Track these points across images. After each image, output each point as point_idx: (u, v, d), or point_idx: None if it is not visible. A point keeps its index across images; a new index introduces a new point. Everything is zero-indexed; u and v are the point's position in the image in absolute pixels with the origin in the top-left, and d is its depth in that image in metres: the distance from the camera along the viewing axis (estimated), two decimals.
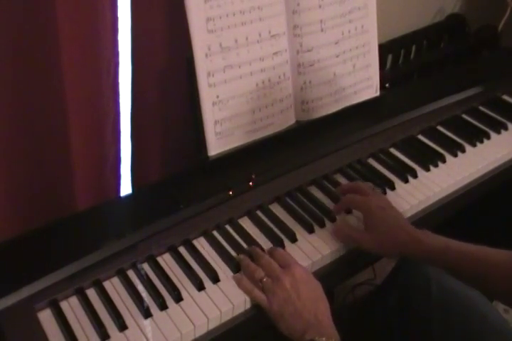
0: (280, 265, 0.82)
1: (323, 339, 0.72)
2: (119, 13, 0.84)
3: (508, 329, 0.83)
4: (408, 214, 0.97)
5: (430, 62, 1.38)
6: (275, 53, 0.96)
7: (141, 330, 0.75)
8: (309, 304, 0.77)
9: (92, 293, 0.80)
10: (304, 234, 0.91)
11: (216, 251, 0.87)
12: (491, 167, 1.11)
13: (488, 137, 1.17)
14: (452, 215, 1.07)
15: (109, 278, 0.82)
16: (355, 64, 1.06)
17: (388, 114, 1.10)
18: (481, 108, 1.26)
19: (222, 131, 0.93)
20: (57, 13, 0.75)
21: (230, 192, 0.91)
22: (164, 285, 0.81)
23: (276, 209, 0.95)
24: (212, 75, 0.89)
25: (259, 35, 0.93)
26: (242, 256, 0.84)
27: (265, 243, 0.89)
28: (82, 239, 0.83)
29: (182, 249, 0.87)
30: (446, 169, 1.07)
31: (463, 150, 1.12)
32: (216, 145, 0.94)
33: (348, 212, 0.95)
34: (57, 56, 0.79)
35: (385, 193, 0.99)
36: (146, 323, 0.76)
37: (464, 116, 1.23)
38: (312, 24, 0.98)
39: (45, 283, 0.75)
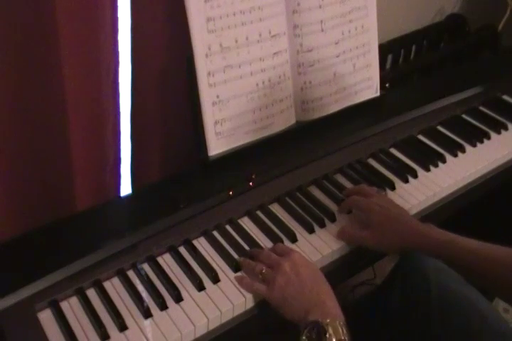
0: (278, 255, 0.83)
1: (327, 320, 0.71)
2: (119, 13, 0.84)
3: (508, 329, 0.83)
4: None
5: (430, 62, 1.38)
6: (275, 53, 0.96)
7: (141, 330, 0.75)
8: (310, 284, 0.77)
9: (92, 293, 0.80)
10: (304, 234, 0.91)
11: (216, 251, 0.87)
12: (491, 167, 1.11)
13: (488, 137, 1.17)
14: (452, 215, 1.07)
15: (109, 278, 0.82)
16: (356, 64, 1.06)
17: (388, 114, 1.10)
18: (481, 108, 1.26)
19: (223, 131, 0.93)
20: (57, 13, 0.75)
21: (230, 192, 0.91)
22: (164, 285, 0.81)
23: (276, 209, 0.95)
24: (213, 75, 0.89)
25: (260, 35, 0.93)
26: (242, 259, 0.85)
27: (265, 243, 0.89)
28: (82, 239, 0.83)
29: (182, 249, 0.87)
30: (446, 169, 1.07)
31: (463, 150, 1.12)
32: (216, 145, 0.94)
33: (349, 212, 0.95)
34: (57, 56, 0.79)
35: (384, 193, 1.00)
36: (146, 323, 0.76)
37: (464, 116, 1.23)
38: (312, 24, 0.98)
39: (45, 283, 0.75)
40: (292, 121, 1.03)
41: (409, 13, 1.41)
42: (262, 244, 0.88)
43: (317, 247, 0.89)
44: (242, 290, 0.81)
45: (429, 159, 1.08)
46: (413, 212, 0.99)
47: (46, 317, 0.76)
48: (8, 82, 0.78)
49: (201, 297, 0.80)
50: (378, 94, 1.12)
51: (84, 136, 0.88)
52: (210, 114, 0.91)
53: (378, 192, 0.97)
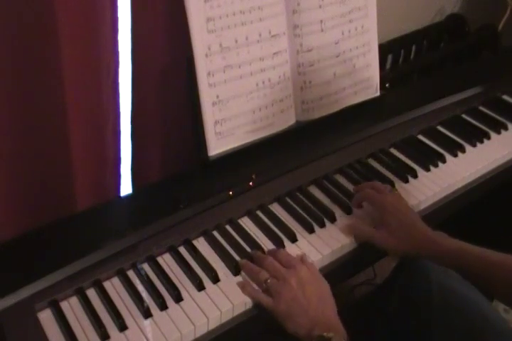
0: (283, 266, 0.82)
1: (331, 334, 0.72)
2: (119, 13, 0.84)
3: (508, 329, 0.83)
4: None
5: (430, 62, 1.38)
6: (275, 53, 0.96)
7: (141, 330, 0.75)
8: (316, 302, 0.77)
9: (92, 293, 0.80)
10: (304, 234, 0.91)
11: (216, 251, 0.87)
12: (491, 167, 1.11)
13: (488, 137, 1.17)
14: (452, 215, 1.07)
15: (109, 278, 0.82)
16: (355, 64, 1.06)
17: (388, 114, 1.10)
18: (481, 108, 1.26)
19: (223, 131, 0.93)
20: (57, 13, 0.75)
21: (230, 192, 0.91)
22: (164, 285, 0.81)
23: (276, 209, 0.95)
24: (212, 75, 0.89)
25: (259, 35, 0.93)
26: (244, 261, 0.84)
27: (265, 243, 0.89)
28: (82, 239, 0.83)
29: (182, 249, 0.87)
30: (446, 169, 1.07)
31: (463, 150, 1.12)
32: (216, 145, 0.94)
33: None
34: (58, 56, 0.79)
35: None
36: (146, 323, 0.76)
37: (464, 116, 1.23)
38: (312, 24, 0.98)
39: (45, 283, 0.75)
40: (292, 121, 1.03)
41: (409, 13, 1.41)
42: (262, 244, 0.88)
43: (317, 247, 0.89)
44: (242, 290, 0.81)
45: (429, 159, 1.08)
46: None
47: (46, 317, 0.76)
48: (8, 81, 0.78)
49: (201, 297, 0.80)
50: (378, 94, 1.12)
51: (84, 136, 0.88)
52: (210, 114, 0.91)
53: (391, 190, 0.96)
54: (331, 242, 0.90)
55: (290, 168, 0.97)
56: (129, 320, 0.76)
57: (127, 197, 0.96)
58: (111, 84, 0.88)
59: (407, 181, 1.03)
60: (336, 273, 0.90)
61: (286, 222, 0.92)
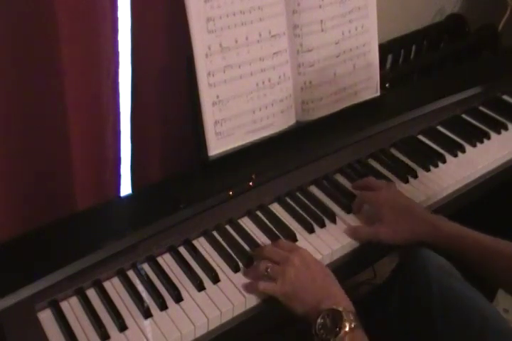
0: (284, 250, 0.83)
1: (341, 308, 0.72)
2: (119, 13, 0.84)
3: (508, 329, 0.83)
4: None
5: (430, 62, 1.38)
6: (275, 53, 0.96)
7: (141, 330, 0.75)
8: (321, 278, 0.78)
9: (92, 293, 0.80)
10: (304, 234, 0.91)
11: (216, 251, 0.87)
12: (491, 167, 1.11)
13: (488, 137, 1.17)
14: (452, 215, 1.06)
15: (109, 278, 0.82)
16: (356, 64, 1.06)
17: (388, 114, 1.10)
18: (481, 108, 1.26)
19: (222, 131, 0.93)
20: (57, 13, 0.75)
21: (230, 192, 0.91)
22: (164, 285, 0.81)
23: (276, 209, 0.95)
24: (213, 75, 0.89)
25: (260, 35, 0.93)
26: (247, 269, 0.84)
27: (265, 243, 0.89)
28: (82, 239, 0.83)
29: (182, 249, 0.87)
30: (446, 169, 1.07)
31: (463, 150, 1.12)
32: (216, 145, 0.94)
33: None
34: (58, 56, 0.79)
35: None
36: (146, 323, 0.76)
37: (464, 116, 1.23)
38: (312, 24, 0.98)
39: (45, 283, 0.75)
40: (292, 121, 1.03)
41: (409, 13, 1.41)
42: (262, 244, 0.88)
43: (317, 247, 0.89)
44: (242, 290, 0.81)
45: (429, 159, 1.08)
46: None
47: (46, 317, 0.76)
48: (8, 81, 0.78)
49: (201, 297, 0.80)
50: (378, 94, 1.12)
51: (84, 136, 0.88)
52: (210, 114, 0.91)
53: (388, 184, 0.97)
54: (331, 242, 0.90)
55: (290, 168, 0.97)
56: (129, 320, 0.76)
57: (127, 197, 0.96)
58: (111, 84, 0.88)
59: (407, 181, 1.03)
60: (336, 273, 0.89)
61: (286, 222, 0.92)
